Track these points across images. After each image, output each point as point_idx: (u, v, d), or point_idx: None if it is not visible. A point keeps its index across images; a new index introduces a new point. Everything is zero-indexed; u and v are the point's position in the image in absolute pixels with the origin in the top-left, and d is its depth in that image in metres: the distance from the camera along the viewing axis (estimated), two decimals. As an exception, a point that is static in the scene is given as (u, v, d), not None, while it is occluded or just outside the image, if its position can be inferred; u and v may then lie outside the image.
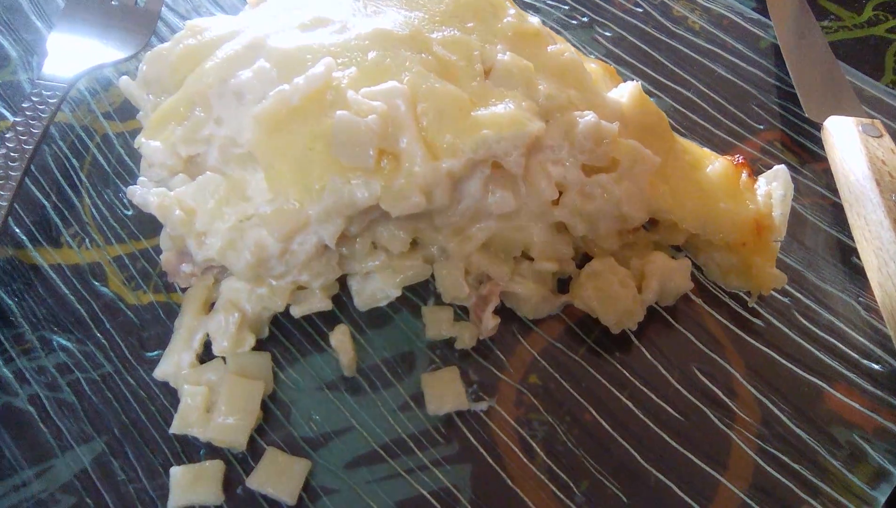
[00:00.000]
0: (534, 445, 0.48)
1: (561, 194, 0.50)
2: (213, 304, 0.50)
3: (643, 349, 0.52)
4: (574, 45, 0.62)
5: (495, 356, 0.51)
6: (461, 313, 0.53)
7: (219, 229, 0.46)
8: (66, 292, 0.53)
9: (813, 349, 0.53)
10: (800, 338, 0.53)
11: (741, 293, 0.55)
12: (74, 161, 0.59)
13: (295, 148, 0.45)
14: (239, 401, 0.46)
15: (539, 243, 0.51)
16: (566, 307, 0.54)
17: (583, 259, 0.54)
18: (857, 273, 0.56)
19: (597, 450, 0.48)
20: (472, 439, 0.48)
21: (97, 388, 0.49)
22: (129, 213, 0.57)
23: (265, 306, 0.49)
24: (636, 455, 0.48)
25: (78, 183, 0.58)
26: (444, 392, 0.49)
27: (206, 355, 0.49)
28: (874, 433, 0.49)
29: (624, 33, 0.72)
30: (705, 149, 0.57)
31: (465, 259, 0.51)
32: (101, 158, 0.60)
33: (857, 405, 0.50)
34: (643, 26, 0.73)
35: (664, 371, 0.51)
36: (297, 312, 0.50)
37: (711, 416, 0.50)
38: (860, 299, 0.55)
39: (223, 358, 0.48)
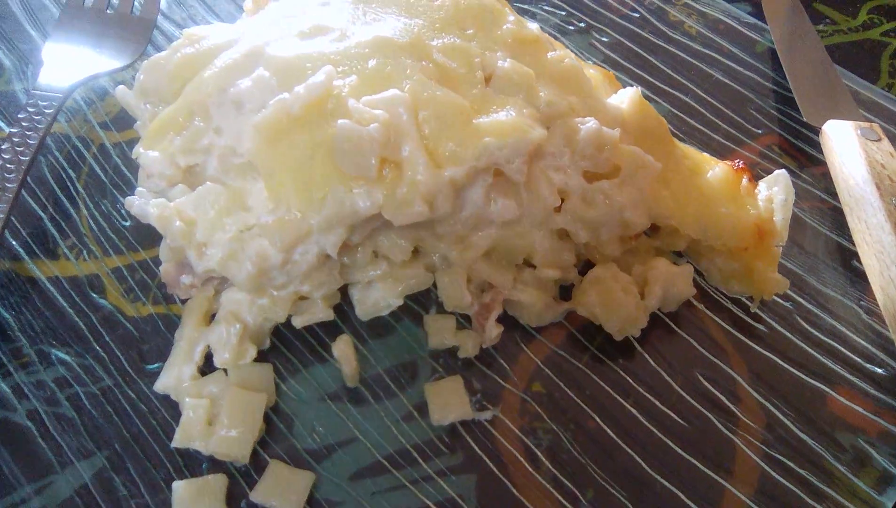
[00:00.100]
0: (538, 454, 0.48)
1: (563, 200, 0.50)
2: (213, 315, 0.50)
3: (646, 356, 0.52)
4: (572, 51, 0.62)
5: (498, 365, 0.51)
6: (463, 321, 0.53)
7: (220, 239, 0.46)
8: (65, 304, 0.52)
9: (815, 354, 0.53)
10: (802, 342, 0.53)
11: (743, 298, 0.55)
12: (71, 172, 0.59)
13: (296, 157, 0.45)
14: (241, 414, 0.46)
15: (541, 251, 0.51)
16: (568, 314, 0.53)
17: (585, 266, 0.54)
18: (857, 277, 0.56)
19: (602, 458, 0.48)
20: (476, 448, 0.48)
21: (97, 402, 0.48)
22: (127, 224, 0.56)
23: (266, 317, 0.49)
24: (641, 462, 0.48)
25: (75, 194, 0.58)
26: (449, 402, 0.48)
27: (207, 367, 0.49)
28: (878, 436, 0.49)
29: (621, 38, 0.72)
30: (705, 154, 0.57)
31: (468, 267, 0.51)
32: (97, 169, 0.59)
33: (860, 409, 0.50)
34: (640, 31, 0.73)
35: (668, 378, 0.51)
36: (298, 322, 0.50)
37: (716, 422, 0.49)
38: (861, 302, 0.55)
39: (225, 370, 0.48)
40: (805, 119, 0.63)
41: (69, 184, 0.58)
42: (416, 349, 0.52)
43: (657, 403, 0.50)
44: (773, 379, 0.51)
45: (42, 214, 0.56)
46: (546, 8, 0.75)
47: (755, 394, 0.51)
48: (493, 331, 0.50)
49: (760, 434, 0.49)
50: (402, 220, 0.45)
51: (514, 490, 0.46)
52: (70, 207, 0.57)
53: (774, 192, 0.54)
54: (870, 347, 0.53)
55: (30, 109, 0.56)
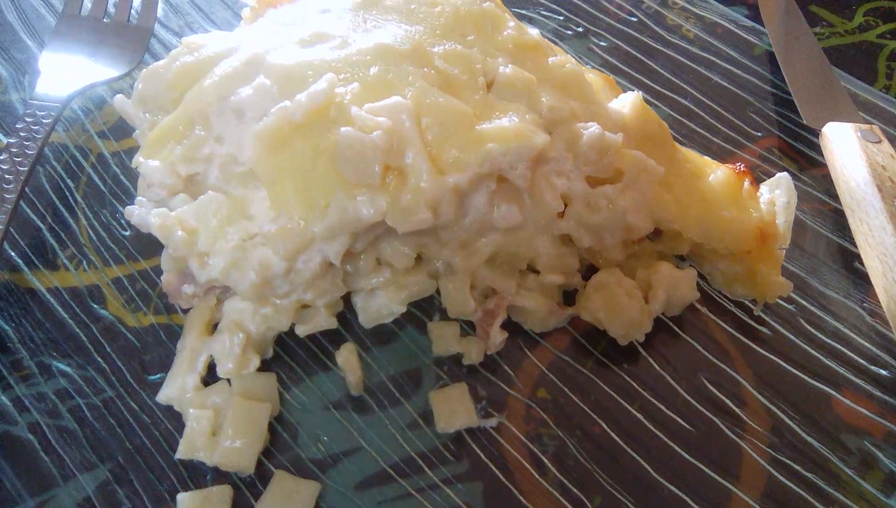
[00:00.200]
0: (545, 460, 0.47)
1: (566, 205, 0.49)
2: (215, 325, 0.50)
3: (651, 360, 0.52)
4: (571, 56, 0.62)
5: (503, 371, 0.51)
6: (467, 327, 0.52)
7: (222, 248, 0.46)
8: (65, 315, 0.52)
9: (819, 356, 0.53)
10: (806, 345, 0.53)
11: (746, 302, 0.55)
12: (70, 182, 0.58)
13: (298, 165, 0.45)
14: (245, 424, 0.45)
15: (545, 256, 0.51)
16: (572, 320, 0.53)
17: (588, 271, 0.54)
18: (860, 278, 0.56)
19: (608, 464, 0.47)
20: (482, 456, 0.47)
21: (99, 414, 0.48)
22: (127, 233, 0.56)
23: (269, 326, 0.49)
24: (648, 467, 0.48)
25: (74, 204, 0.57)
26: (454, 409, 0.48)
27: (210, 377, 0.48)
28: (884, 439, 0.49)
29: (619, 43, 0.72)
30: (706, 158, 0.57)
31: (471, 274, 0.50)
32: (96, 179, 0.59)
33: (865, 412, 0.50)
34: (638, 35, 0.73)
35: (672, 382, 0.51)
36: (301, 331, 0.50)
37: (721, 426, 0.49)
38: (864, 304, 0.55)
39: (228, 380, 0.48)
40: (805, 121, 0.64)
41: (68, 194, 0.58)
42: (420, 356, 0.51)
43: (662, 407, 0.50)
44: (778, 382, 0.51)
45: (41, 224, 0.56)
46: (543, 13, 0.75)
47: (760, 397, 0.51)
48: (498, 337, 0.50)
49: (766, 438, 0.49)
50: (406, 227, 0.45)
51: (521, 498, 0.46)
52: (69, 217, 0.56)
53: (777, 194, 0.54)
54: (873, 349, 0.53)
55: (27, 119, 0.56)
